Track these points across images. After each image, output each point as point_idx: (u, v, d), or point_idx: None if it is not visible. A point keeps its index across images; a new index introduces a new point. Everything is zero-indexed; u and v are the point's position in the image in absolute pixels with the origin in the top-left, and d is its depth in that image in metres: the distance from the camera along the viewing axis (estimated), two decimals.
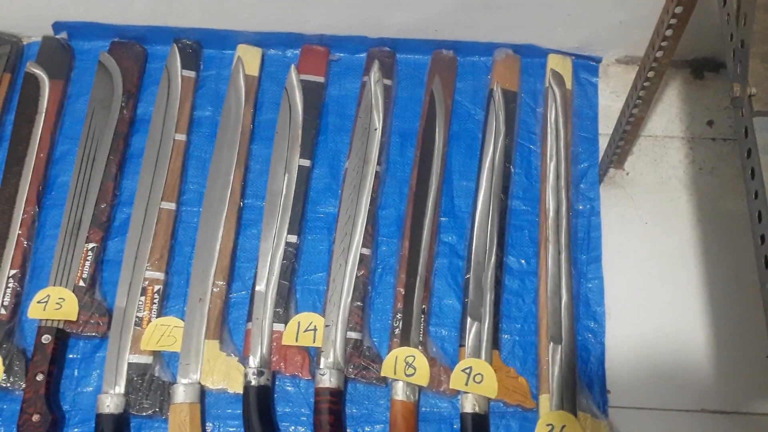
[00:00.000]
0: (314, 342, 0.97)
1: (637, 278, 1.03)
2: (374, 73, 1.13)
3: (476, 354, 0.96)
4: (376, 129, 1.10)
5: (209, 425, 0.94)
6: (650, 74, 0.91)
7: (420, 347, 0.97)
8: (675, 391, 0.96)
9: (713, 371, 0.97)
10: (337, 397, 0.93)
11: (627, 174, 1.11)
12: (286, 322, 0.98)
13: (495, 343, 0.98)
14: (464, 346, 0.97)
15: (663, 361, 0.98)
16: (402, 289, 1.00)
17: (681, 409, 0.94)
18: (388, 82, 1.14)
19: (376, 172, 1.07)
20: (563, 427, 0.90)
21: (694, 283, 1.03)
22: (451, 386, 0.94)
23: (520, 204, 1.07)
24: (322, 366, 0.95)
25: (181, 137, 1.09)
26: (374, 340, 1.00)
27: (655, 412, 0.94)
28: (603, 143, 1.11)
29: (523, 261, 1.04)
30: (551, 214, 1.05)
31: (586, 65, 1.17)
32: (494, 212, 1.05)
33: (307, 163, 1.09)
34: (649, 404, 0.95)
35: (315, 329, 0.98)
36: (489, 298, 1.00)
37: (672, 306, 1.02)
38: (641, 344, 0.99)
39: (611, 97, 1.16)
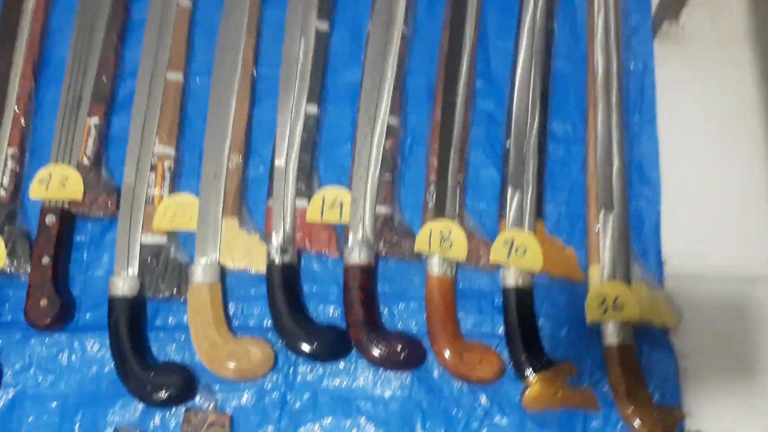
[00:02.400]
0: (341, 218, 0.89)
1: (695, 140, 0.93)
2: None
3: (518, 225, 0.87)
4: None
5: (232, 307, 0.87)
6: None
7: (456, 220, 0.88)
8: (739, 258, 0.87)
9: None
10: (368, 274, 0.86)
11: (682, 28, 0.99)
12: (309, 198, 0.90)
13: (539, 213, 0.89)
14: (505, 217, 0.88)
15: (725, 226, 0.89)
16: (435, 160, 0.91)
17: (746, 277, 0.86)
18: None
19: (402, 33, 0.96)
20: (616, 298, 0.82)
21: (756, 145, 0.93)
22: (491, 260, 0.86)
23: (564, 65, 0.97)
24: (350, 242, 0.87)
25: (186, 2, 0.99)
26: (405, 215, 0.91)
27: (717, 281, 0.86)
28: None
29: (569, 127, 0.94)
30: (600, 74, 0.94)
31: None
32: (536, 75, 0.94)
33: (325, 26, 0.98)
34: (710, 273, 0.87)
35: (341, 205, 0.89)
36: (532, 166, 0.90)
37: (733, 169, 0.92)
38: (700, 210, 0.90)
39: None
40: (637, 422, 0.77)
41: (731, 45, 0.97)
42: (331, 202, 0.89)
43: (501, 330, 0.84)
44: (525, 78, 0.94)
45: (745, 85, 0.96)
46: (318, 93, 0.95)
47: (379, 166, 0.91)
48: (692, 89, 0.96)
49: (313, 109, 0.94)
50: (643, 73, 0.96)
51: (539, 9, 0.97)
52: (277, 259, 0.86)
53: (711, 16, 0.99)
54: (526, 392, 0.80)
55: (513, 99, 0.94)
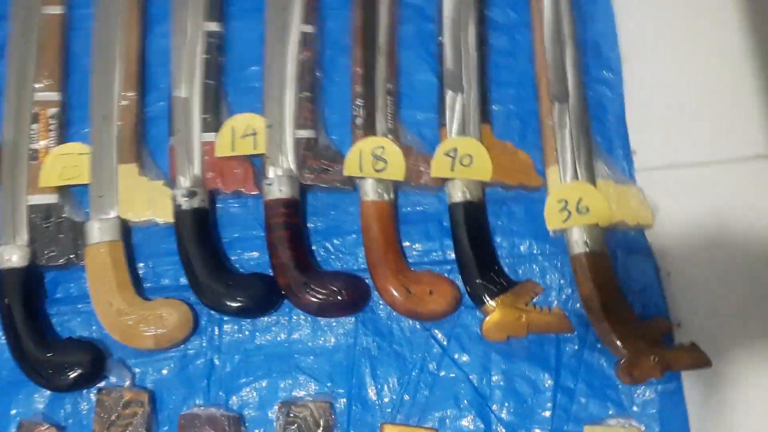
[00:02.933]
0: (255, 148, 0.76)
1: (657, 11, 0.80)
2: None
3: (462, 132, 0.75)
4: None
5: (141, 267, 0.76)
6: None
7: (390, 136, 0.76)
8: (717, 141, 0.75)
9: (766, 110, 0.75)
10: (293, 209, 0.74)
11: None
12: (217, 131, 0.77)
13: (484, 116, 0.76)
14: (446, 125, 0.76)
15: (700, 106, 0.76)
16: (360, 69, 0.78)
17: (726, 160, 0.74)
18: None
19: None
20: (580, 200, 0.70)
21: (729, 14, 0.79)
22: (433, 174, 0.74)
23: None
24: (269, 175, 0.74)
25: None
26: (333, 137, 0.79)
27: (695, 169, 0.74)
28: None
29: (510, 12, 0.81)
30: None
31: None
32: None
33: None
34: (686, 160, 0.74)
35: (255, 133, 0.77)
36: (471, 62, 0.77)
37: (702, 42, 0.79)
38: (668, 92, 0.77)
39: None
40: (615, 340, 0.66)
41: None
42: (242, 132, 0.77)
43: (453, 255, 0.72)
44: None
45: None
46: (218, 7, 0.82)
47: (295, 84, 0.78)
48: None
49: (215, 26, 0.81)
50: None
51: None
52: (185, 205, 0.74)
53: None
54: (486, 321, 0.69)
55: None
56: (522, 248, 0.73)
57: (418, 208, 0.76)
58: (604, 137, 0.75)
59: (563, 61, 0.77)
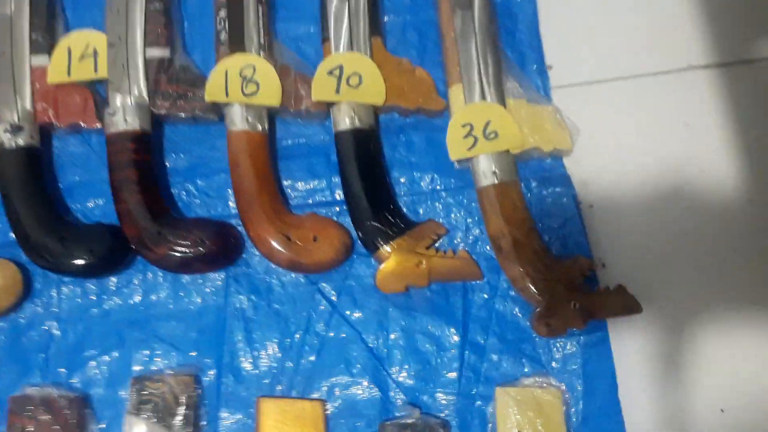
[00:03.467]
0: (96, 72, 0.62)
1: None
2: None
3: (349, 47, 0.62)
4: None
5: None
6: None
7: (262, 53, 0.63)
8: (644, 52, 0.65)
9: (703, 19, 0.65)
10: (143, 143, 0.60)
11: None
12: (50, 53, 0.63)
13: (375, 27, 0.64)
14: (329, 39, 0.63)
15: (625, 14, 0.66)
16: None
17: (654, 72, 0.64)
18: None
19: None
20: (487, 123, 0.59)
21: None
22: (314, 98, 0.61)
23: None
24: (113, 103, 0.61)
25: None
26: (194, 57, 0.65)
27: (618, 84, 0.64)
28: None
29: None
30: None
31: None
32: None
33: None
34: (609, 75, 0.64)
35: (95, 53, 0.62)
36: None
37: None
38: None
39: None
40: (529, 284, 0.56)
41: None
42: (81, 53, 0.62)
43: (342, 195, 0.61)
44: None
45: None
46: None
47: None
48: None
49: None
50: None
51: None
52: (8, 143, 0.60)
53: None
54: (380, 269, 0.58)
55: None
56: (423, 184, 0.62)
57: (299, 141, 0.64)
58: (514, 50, 0.64)
59: None
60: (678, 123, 0.62)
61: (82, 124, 0.62)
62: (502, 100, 0.61)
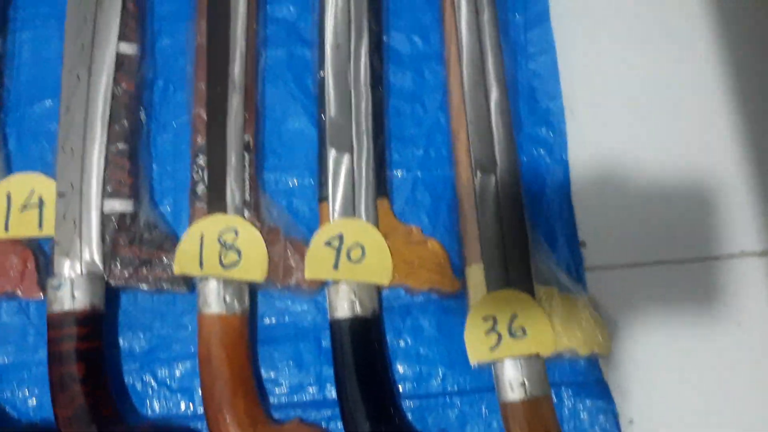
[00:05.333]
0: (41, 228, 0.51)
1: (614, 43, 0.60)
2: None
3: (349, 210, 0.53)
4: None
5: None
6: None
7: (247, 212, 0.52)
8: (695, 235, 0.56)
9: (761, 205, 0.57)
10: (93, 326, 0.49)
11: None
12: None
13: (381, 186, 0.54)
14: (327, 199, 0.53)
15: (674, 188, 0.57)
16: (203, 111, 0.54)
17: (706, 257, 0.55)
18: None
19: None
20: (514, 317, 0.50)
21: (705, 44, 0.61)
22: (308, 275, 0.51)
23: None
24: (60, 272, 0.49)
25: None
26: (163, 209, 0.54)
27: (661, 265, 0.55)
28: None
29: (416, 38, 0.59)
30: None
31: None
32: None
33: None
34: (651, 257, 0.55)
35: (41, 203, 0.51)
36: (364, 108, 0.55)
37: (668, 88, 0.60)
38: (628, 157, 0.58)
39: None
40: None
41: None
42: (23, 202, 0.51)
43: (335, 393, 0.50)
44: None
45: None
46: None
47: (106, 129, 0.53)
48: None
49: None
50: None
51: None
52: None
53: None
54: None
55: None
56: (432, 383, 0.52)
57: (285, 319, 0.53)
58: (543, 222, 0.55)
59: (488, 112, 0.56)
60: (728, 318, 0.53)
61: (19, 294, 0.50)
62: (530, 286, 0.52)
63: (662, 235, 0.55)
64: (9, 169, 0.54)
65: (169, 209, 0.55)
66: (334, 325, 0.50)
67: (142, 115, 0.55)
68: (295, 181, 0.56)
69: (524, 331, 0.50)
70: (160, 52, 0.57)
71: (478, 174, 0.54)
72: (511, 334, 0.50)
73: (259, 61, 0.57)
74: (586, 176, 0.57)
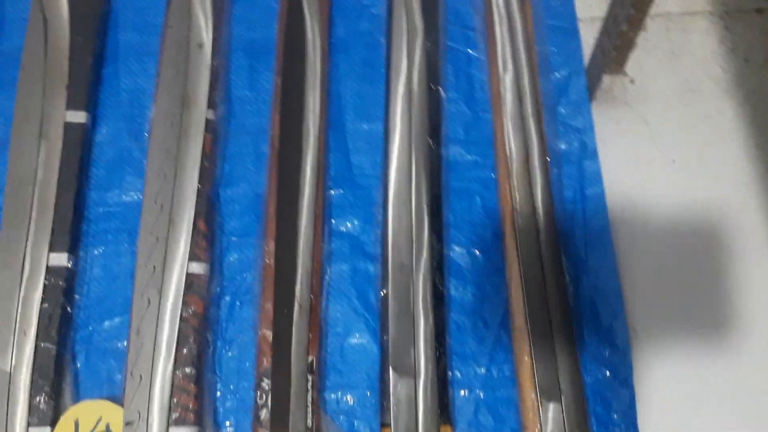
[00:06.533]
0: None
1: (673, 258, 0.60)
2: None
3: None
4: (201, 45, 0.63)
5: None
6: None
7: None
8: None
9: None
10: None
11: (632, 81, 0.66)
12: (53, 423, 0.52)
13: (444, 411, 0.54)
14: (389, 426, 0.53)
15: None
16: (269, 332, 0.55)
17: None
18: None
19: (207, 120, 0.61)
20: None
21: None
22: None
23: (461, 152, 0.63)
24: None
25: None
26: (224, 430, 0.54)
27: None
28: (587, 33, 0.67)
29: (477, 252, 0.60)
30: (516, 164, 0.60)
31: None
32: (420, 171, 0.60)
33: (81, 117, 0.61)
34: None
35: (108, 431, 0.52)
36: (424, 329, 0.55)
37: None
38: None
39: None
40: None
41: (705, 100, 0.66)
42: (91, 429, 0.52)
43: None
44: (403, 177, 0.60)
45: (736, 158, 0.64)
46: (69, 230, 0.58)
47: (173, 353, 0.54)
48: (658, 174, 0.63)
49: (62, 258, 0.57)
50: (581, 155, 0.63)
51: (416, 67, 0.63)
52: None
53: (671, 58, 0.67)
54: None
55: (388, 213, 0.59)
56: None
57: None
58: None
59: (550, 333, 0.55)
60: None
61: None
62: None
63: None
64: (77, 389, 0.55)
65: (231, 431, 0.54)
66: None
67: (209, 335, 0.56)
68: (356, 400, 0.55)
69: None
70: (228, 267, 0.58)
71: (543, 401, 0.53)
72: None
73: (323, 277, 0.58)
74: (655, 401, 0.56)
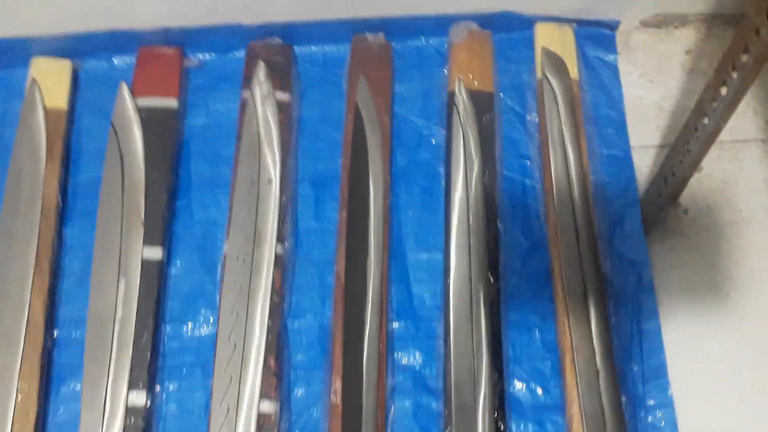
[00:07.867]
0: None
1: (732, 395, 0.62)
2: (259, 84, 0.69)
3: None
4: (270, 180, 0.66)
5: None
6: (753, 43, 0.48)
7: None
8: None
9: None
10: None
11: (685, 212, 0.68)
12: None
13: None
14: None
15: None
16: None
17: None
18: (283, 95, 0.69)
19: (277, 255, 0.63)
20: None
21: None
22: None
23: (520, 285, 0.64)
24: None
25: None
26: None
27: None
28: (640, 161, 0.69)
29: (538, 389, 0.61)
30: (570, 297, 0.62)
31: (596, 35, 0.74)
32: (480, 305, 0.62)
33: (157, 253, 0.64)
34: None
35: None
36: None
37: None
38: None
39: (642, 83, 0.73)
40: None
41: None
42: None
43: None
44: (463, 311, 0.62)
45: None
46: (147, 366, 0.61)
47: None
48: (717, 313, 0.65)
49: (140, 397, 0.60)
50: (636, 289, 0.64)
51: (473, 198, 0.66)
52: None
53: (726, 187, 0.68)
54: None
55: (450, 346, 0.61)
56: None
57: None
58: None
59: None
60: None
61: None
62: None
63: None
64: None
65: None
66: None
67: None
68: None
69: None
70: (295, 403, 0.61)
71: None
72: None
73: (387, 417, 0.60)
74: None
